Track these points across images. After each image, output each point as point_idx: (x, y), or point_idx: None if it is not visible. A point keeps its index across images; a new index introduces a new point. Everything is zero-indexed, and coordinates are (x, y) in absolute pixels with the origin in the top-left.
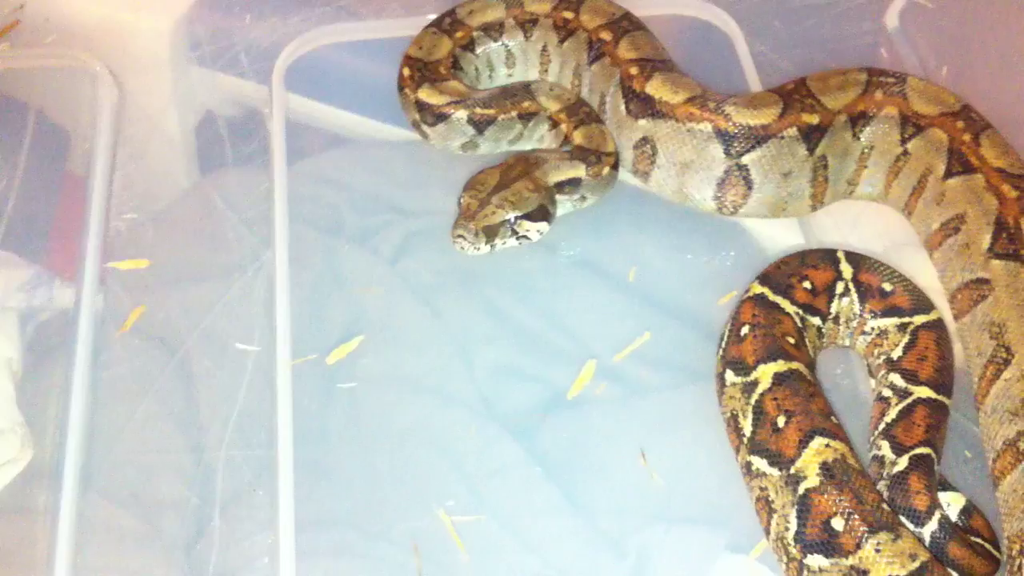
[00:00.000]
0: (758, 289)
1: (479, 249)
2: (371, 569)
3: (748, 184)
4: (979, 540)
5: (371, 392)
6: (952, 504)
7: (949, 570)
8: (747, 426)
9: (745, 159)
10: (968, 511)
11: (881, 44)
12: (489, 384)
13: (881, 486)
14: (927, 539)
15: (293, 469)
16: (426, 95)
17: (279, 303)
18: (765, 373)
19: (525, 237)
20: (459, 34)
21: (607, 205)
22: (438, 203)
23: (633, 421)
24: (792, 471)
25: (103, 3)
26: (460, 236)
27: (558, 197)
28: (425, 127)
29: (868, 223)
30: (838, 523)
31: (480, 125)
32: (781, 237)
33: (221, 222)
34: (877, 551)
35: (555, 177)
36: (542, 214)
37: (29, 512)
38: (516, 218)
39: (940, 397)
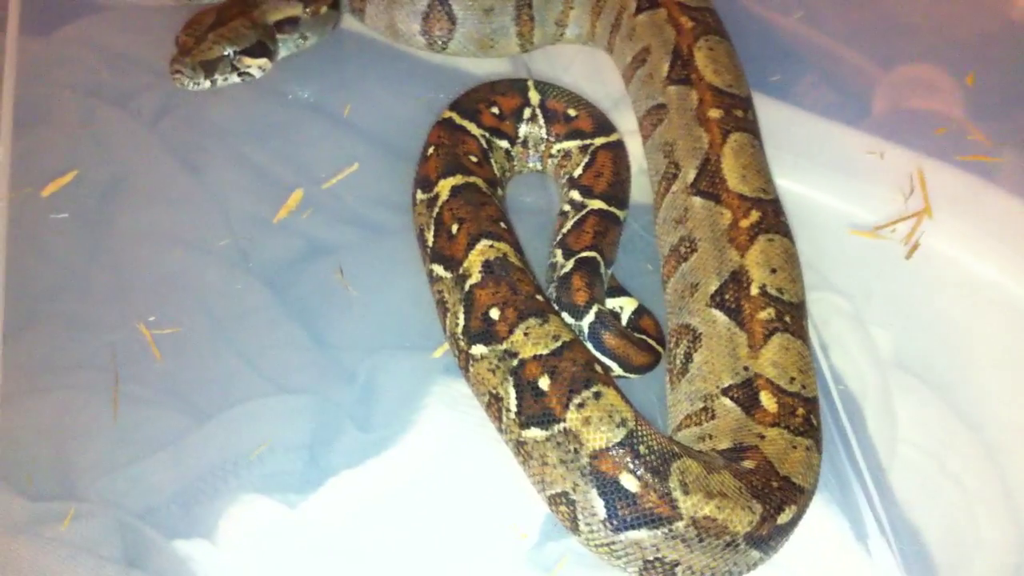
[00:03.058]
0: (447, 114)
1: (199, 84)
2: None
3: (451, 19)
4: (643, 336)
5: (125, 242)
6: (625, 307)
7: (599, 354)
8: (430, 237)
9: None
10: (639, 312)
11: None
12: (244, 234)
13: (552, 288)
14: (585, 331)
15: (4, 312)
16: None
17: (22, 161)
18: (444, 187)
19: (247, 73)
20: None
21: (335, 48)
22: None
23: (354, 267)
24: (460, 271)
25: None
26: (178, 72)
27: (279, 37)
28: None
29: (581, 65)
30: (495, 313)
31: None
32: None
33: None
34: (525, 334)
35: (273, 16)
36: (262, 50)
37: None
38: (235, 53)
39: (611, 208)
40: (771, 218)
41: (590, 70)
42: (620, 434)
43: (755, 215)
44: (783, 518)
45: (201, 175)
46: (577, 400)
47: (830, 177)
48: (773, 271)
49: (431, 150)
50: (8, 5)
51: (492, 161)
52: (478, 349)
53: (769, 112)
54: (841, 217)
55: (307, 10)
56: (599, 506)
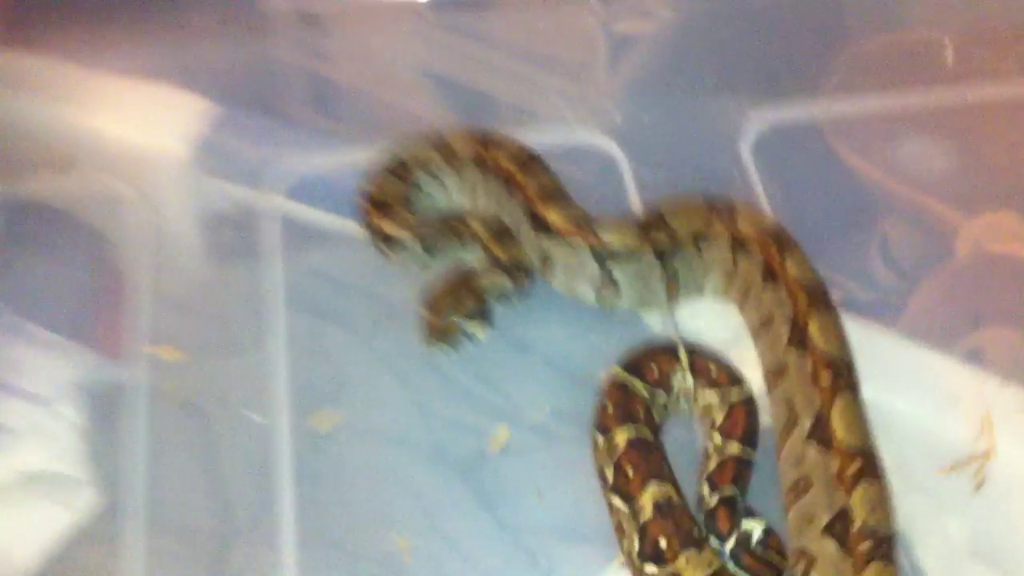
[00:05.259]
0: (619, 374)
1: (445, 353)
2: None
3: (617, 287)
4: (771, 555)
5: (350, 444)
6: (755, 528)
7: (739, 571)
8: (610, 476)
9: (614, 271)
10: (767, 533)
11: (734, 166)
12: (441, 435)
13: (702, 515)
14: (727, 552)
15: (294, 508)
16: (386, 227)
17: (280, 378)
18: (621, 437)
19: (474, 337)
20: (404, 174)
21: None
22: (405, 291)
23: (535, 467)
24: (635, 507)
25: (128, 127)
26: (431, 346)
27: (495, 304)
28: (387, 251)
29: (716, 315)
30: (663, 542)
31: (430, 250)
32: (652, 323)
33: (229, 308)
34: (687, 561)
35: (490, 289)
36: (485, 317)
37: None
38: (466, 322)
39: (746, 451)
40: (870, 467)
41: (715, 316)
42: None
43: (857, 464)
44: None
45: (410, 389)
46: None
47: (911, 403)
48: (872, 510)
49: (608, 403)
50: (275, 232)
51: (653, 412)
52: (650, 568)
53: (861, 332)
54: (920, 438)
55: (514, 283)
56: None
